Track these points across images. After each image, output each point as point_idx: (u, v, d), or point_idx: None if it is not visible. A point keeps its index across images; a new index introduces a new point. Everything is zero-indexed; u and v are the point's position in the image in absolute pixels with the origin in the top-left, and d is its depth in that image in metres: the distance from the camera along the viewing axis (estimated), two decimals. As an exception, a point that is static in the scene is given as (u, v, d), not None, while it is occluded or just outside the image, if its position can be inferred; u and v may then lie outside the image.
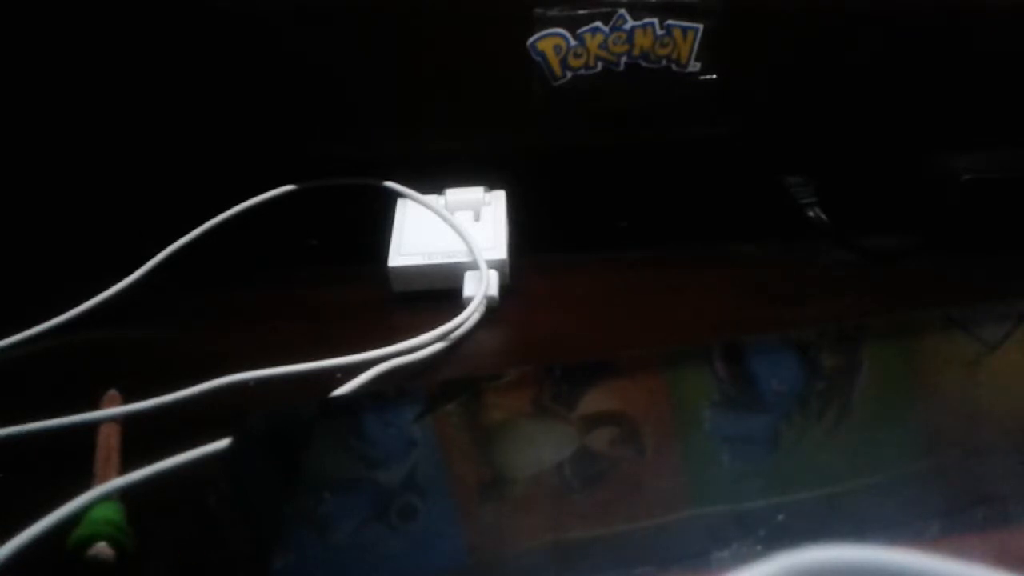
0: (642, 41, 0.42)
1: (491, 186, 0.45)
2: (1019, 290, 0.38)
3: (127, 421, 0.31)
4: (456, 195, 0.44)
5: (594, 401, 0.27)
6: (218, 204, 0.42)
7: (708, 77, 0.43)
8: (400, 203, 0.44)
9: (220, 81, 0.43)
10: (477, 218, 0.43)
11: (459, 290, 0.40)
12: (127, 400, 0.31)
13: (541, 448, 0.25)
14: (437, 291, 0.40)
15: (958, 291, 0.39)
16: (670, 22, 0.42)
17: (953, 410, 0.26)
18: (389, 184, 0.45)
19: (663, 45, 0.42)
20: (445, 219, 0.43)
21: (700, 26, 0.42)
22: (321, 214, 0.45)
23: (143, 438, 0.29)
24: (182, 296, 0.41)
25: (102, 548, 0.24)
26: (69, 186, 0.45)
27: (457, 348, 0.37)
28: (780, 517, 0.20)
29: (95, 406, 0.31)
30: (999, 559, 0.14)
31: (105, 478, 0.27)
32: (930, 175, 0.44)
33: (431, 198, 0.44)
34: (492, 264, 0.41)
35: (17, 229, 0.44)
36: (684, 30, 0.42)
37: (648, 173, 0.46)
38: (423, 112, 0.45)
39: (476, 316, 0.38)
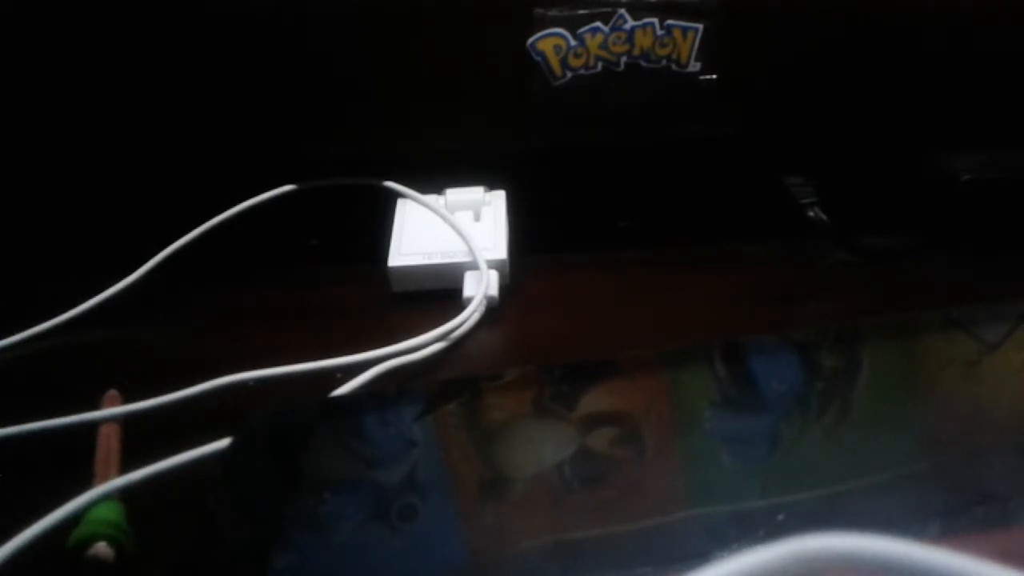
0: (642, 41, 0.42)
1: (491, 186, 0.45)
2: (1019, 290, 0.38)
3: (127, 421, 0.31)
4: (456, 195, 0.44)
5: (594, 401, 0.27)
6: (218, 204, 0.42)
7: (708, 77, 0.43)
8: (400, 203, 0.44)
9: (219, 81, 0.43)
10: (477, 218, 0.43)
11: (459, 290, 0.40)
12: (127, 400, 0.31)
13: (541, 448, 0.25)
14: (437, 291, 0.40)
15: (958, 291, 0.39)
16: (670, 22, 0.42)
17: (953, 410, 0.26)
18: (389, 184, 0.45)
19: (663, 45, 0.42)
20: (445, 219, 0.43)
21: (700, 26, 0.42)
22: (321, 214, 0.45)
23: (143, 438, 0.29)
24: (182, 296, 0.41)
25: (102, 548, 0.24)
26: (69, 186, 0.45)
27: (457, 348, 0.37)
28: (780, 517, 0.20)
29: (95, 406, 0.31)
30: (999, 559, 0.14)
31: (105, 478, 0.27)
32: (930, 175, 0.44)
33: (431, 198, 0.44)
34: (492, 264, 0.41)
35: (17, 229, 0.44)
36: (684, 30, 0.42)
37: (648, 173, 0.46)
38: (423, 112, 0.45)
39: (476, 316, 0.38)
